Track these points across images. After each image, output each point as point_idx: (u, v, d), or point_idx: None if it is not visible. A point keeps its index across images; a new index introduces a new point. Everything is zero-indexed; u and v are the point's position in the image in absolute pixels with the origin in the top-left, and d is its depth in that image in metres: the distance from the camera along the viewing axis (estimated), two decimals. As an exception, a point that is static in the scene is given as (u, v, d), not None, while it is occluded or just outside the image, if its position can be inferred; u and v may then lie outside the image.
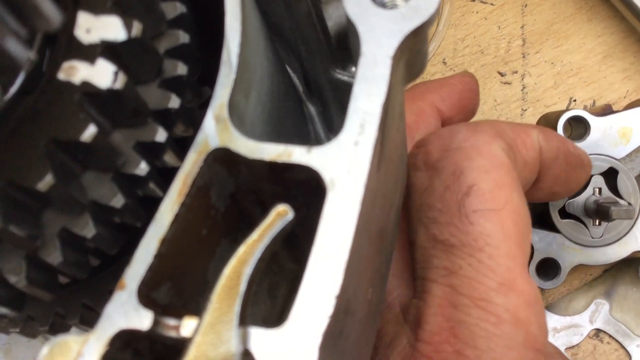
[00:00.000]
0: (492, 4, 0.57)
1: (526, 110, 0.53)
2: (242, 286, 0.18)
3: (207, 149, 0.20)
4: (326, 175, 0.20)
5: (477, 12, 0.57)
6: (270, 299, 0.27)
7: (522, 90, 0.54)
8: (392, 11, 0.21)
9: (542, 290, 0.47)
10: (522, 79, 0.54)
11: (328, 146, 0.20)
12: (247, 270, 0.18)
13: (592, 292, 0.48)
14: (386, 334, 0.31)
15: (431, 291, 0.29)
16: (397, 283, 0.33)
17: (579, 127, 0.44)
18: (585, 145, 0.43)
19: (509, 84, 0.54)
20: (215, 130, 0.21)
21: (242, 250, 0.18)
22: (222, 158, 0.21)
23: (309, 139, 0.34)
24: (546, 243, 0.44)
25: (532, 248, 0.44)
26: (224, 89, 0.21)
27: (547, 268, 0.44)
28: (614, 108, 0.52)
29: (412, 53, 0.23)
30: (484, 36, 0.56)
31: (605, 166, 0.43)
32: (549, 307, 0.47)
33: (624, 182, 0.43)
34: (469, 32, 0.56)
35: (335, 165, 0.20)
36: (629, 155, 0.46)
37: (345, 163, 0.20)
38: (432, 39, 0.45)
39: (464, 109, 0.41)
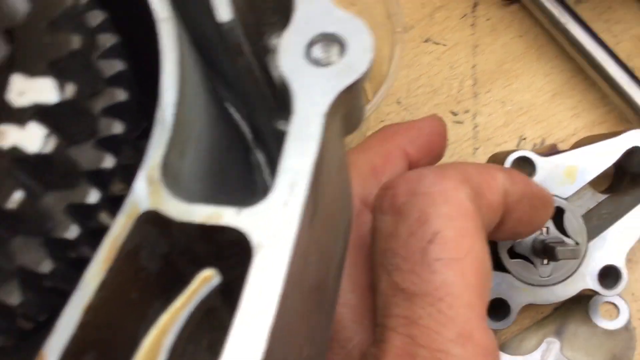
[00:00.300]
0: (444, 45, 0.58)
1: (478, 148, 0.54)
2: (163, 357, 0.18)
3: (137, 212, 0.20)
4: (254, 237, 0.19)
5: (430, 53, 0.58)
6: (210, 356, 0.26)
7: (473, 129, 0.55)
8: (325, 69, 0.21)
9: (494, 330, 0.47)
10: (474, 118, 0.55)
11: (257, 207, 0.20)
12: (168, 341, 0.18)
13: (543, 331, 0.48)
14: None
15: (389, 340, 0.29)
16: (357, 329, 0.33)
17: (526, 167, 0.45)
18: (532, 185, 0.44)
19: (461, 123, 0.55)
20: (146, 193, 0.20)
21: (163, 319, 0.18)
22: (153, 220, 0.21)
23: (256, 190, 0.34)
24: (496, 283, 0.44)
25: (484, 288, 0.44)
26: (156, 150, 0.21)
27: (498, 308, 0.45)
28: (564, 146, 0.53)
29: (347, 108, 0.24)
30: (437, 76, 0.57)
31: (552, 206, 0.44)
32: (501, 347, 0.48)
33: (571, 221, 0.44)
34: (423, 72, 0.57)
35: (263, 227, 0.19)
36: (575, 194, 0.46)
37: (273, 225, 0.19)
38: (384, 81, 0.46)
39: (432, 153, 0.41)
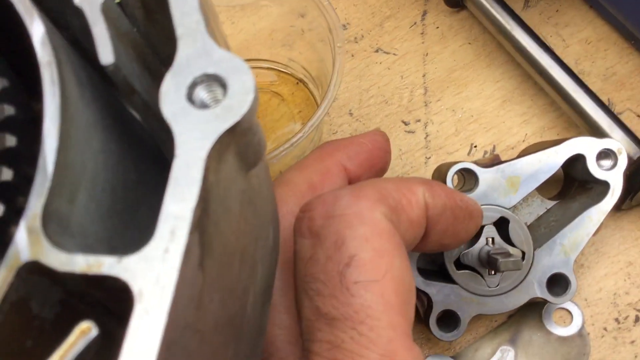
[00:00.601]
0: (394, 54, 0.58)
1: (430, 158, 0.54)
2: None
3: (18, 264, 0.20)
4: (135, 286, 0.19)
5: (380, 63, 0.58)
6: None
7: (425, 138, 0.55)
8: (205, 111, 0.21)
9: (445, 341, 0.47)
10: (425, 127, 0.55)
11: (137, 255, 0.20)
12: (43, 399, 0.18)
13: (497, 339, 0.48)
14: None
15: None
16: (291, 350, 0.33)
17: (470, 178, 0.45)
18: (476, 195, 0.44)
19: (412, 132, 0.55)
20: (27, 244, 0.20)
21: (39, 375, 0.18)
22: (38, 270, 0.20)
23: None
24: (444, 295, 0.44)
25: (431, 300, 0.44)
26: (38, 199, 0.21)
27: (448, 319, 0.45)
28: (514, 152, 0.53)
29: (240, 147, 0.23)
30: (387, 86, 0.57)
31: (496, 216, 0.44)
32: (456, 357, 0.48)
33: (516, 230, 0.44)
34: (374, 82, 0.57)
35: (143, 275, 0.19)
36: (524, 201, 0.46)
37: (153, 273, 0.19)
38: (325, 95, 0.46)
39: (373, 168, 0.41)
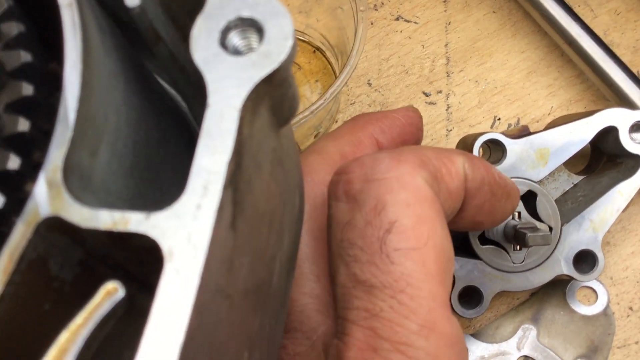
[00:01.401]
0: (415, 23, 0.56)
1: (451, 130, 0.52)
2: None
3: (37, 219, 0.18)
4: (164, 244, 0.18)
5: (400, 32, 0.56)
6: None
7: (446, 110, 0.53)
8: (240, 58, 0.19)
9: (467, 319, 0.46)
10: (447, 99, 0.53)
11: (167, 212, 0.18)
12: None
13: (519, 318, 0.47)
14: None
15: (351, 333, 0.28)
16: (322, 319, 0.32)
17: (497, 150, 0.43)
18: (502, 168, 0.42)
19: (433, 104, 0.53)
20: (47, 197, 0.19)
21: (63, 337, 0.17)
22: (58, 227, 0.19)
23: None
24: (467, 271, 0.42)
25: (454, 276, 0.43)
26: (58, 150, 0.19)
27: (470, 296, 0.43)
28: (539, 125, 0.51)
29: (274, 99, 0.22)
30: (408, 56, 0.55)
31: (523, 189, 0.42)
32: (476, 335, 0.46)
33: (544, 205, 0.42)
34: (393, 51, 0.55)
35: (174, 233, 0.18)
36: (550, 176, 0.45)
37: (185, 230, 0.18)
38: (347, 62, 0.44)
39: (405, 144, 0.40)
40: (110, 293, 0.17)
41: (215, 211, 0.18)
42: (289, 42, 0.19)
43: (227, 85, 0.19)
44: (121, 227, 0.18)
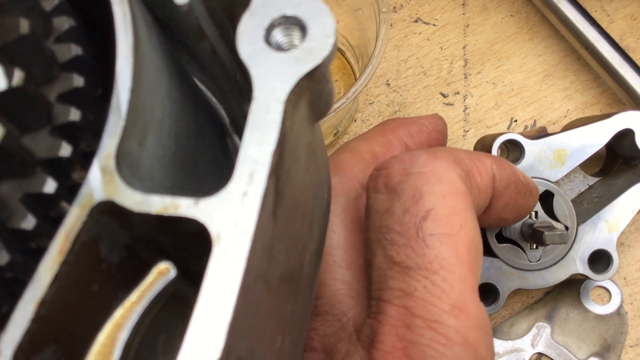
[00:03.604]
0: (434, 25, 0.57)
1: (468, 131, 0.53)
2: (117, 353, 0.17)
3: (91, 203, 0.20)
4: (213, 228, 0.19)
5: (419, 33, 0.57)
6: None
7: (464, 111, 0.54)
8: (285, 54, 0.20)
9: (482, 314, 0.46)
10: (464, 100, 0.54)
11: (215, 198, 0.19)
12: (123, 336, 0.17)
13: (533, 315, 0.47)
14: (339, 352, 0.31)
15: (386, 312, 0.30)
16: (352, 304, 0.34)
17: (514, 150, 0.44)
18: (520, 168, 0.43)
19: (451, 105, 0.54)
20: (101, 183, 0.20)
21: (118, 314, 0.18)
22: (110, 211, 0.20)
23: (230, 175, 0.34)
24: (484, 268, 0.43)
25: (471, 273, 0.43)
26: (111, 138, 0.20)
27: (487, 293, 0.44)
28: (555, 128, 0.52)
29: (313, 94, 0.23)
30: (426, 57, 0.56)
31: (541, 189, 0.43)
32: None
33: (560, 205, 0.43)
34: (412, 53, 0.56)
35: (222, 218, 0.19)
36: (566, 177, 0.46)
37: (232, 216, 0.19)
38: (368, 62, 0.45)
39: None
40: (162, 273, 0.18)
41: (260, 198, 0.19)
42: (331, 40, 0.20)
43: (272, 79, 0.20)
44: (172, 212, 0.19)
